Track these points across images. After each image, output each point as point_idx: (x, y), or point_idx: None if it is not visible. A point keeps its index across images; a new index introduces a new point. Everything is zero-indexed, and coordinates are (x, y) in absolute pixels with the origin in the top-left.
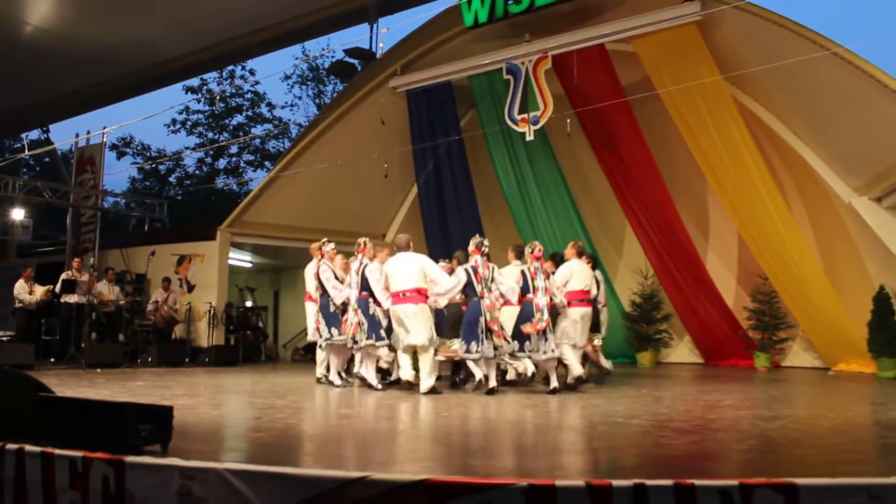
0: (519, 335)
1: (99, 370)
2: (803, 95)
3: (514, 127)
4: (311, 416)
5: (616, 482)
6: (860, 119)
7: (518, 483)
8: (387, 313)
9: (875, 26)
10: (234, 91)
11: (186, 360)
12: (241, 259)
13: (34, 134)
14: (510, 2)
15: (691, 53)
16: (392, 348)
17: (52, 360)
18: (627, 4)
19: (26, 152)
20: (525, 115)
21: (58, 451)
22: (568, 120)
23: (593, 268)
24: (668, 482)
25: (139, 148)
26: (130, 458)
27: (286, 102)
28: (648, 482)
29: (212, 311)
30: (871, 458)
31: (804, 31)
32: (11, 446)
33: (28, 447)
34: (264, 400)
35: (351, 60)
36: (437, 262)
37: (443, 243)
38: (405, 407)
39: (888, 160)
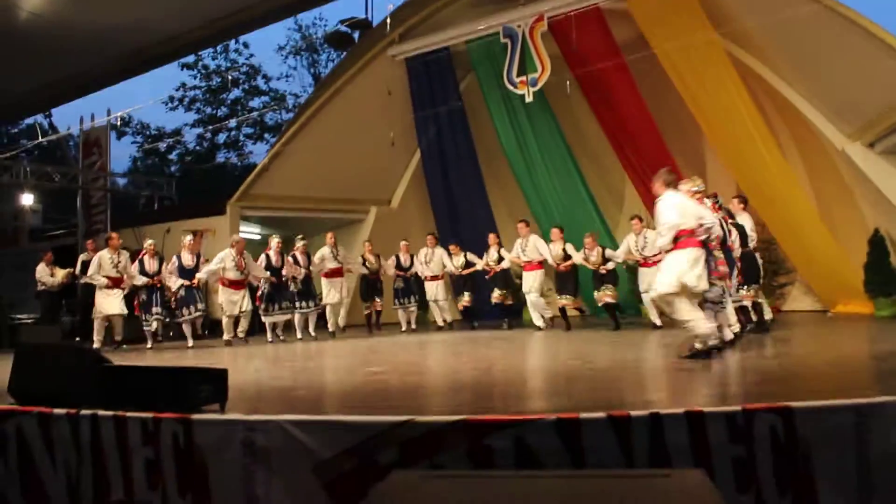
0: None
1: (125, 346)
2: (795, 47)
3: (512, 89)
4: (341, 374)
5: (634, 412)
6: (851, 68)
7: (547, 417)
8: None
9: None
10: (229, 65)
11: (206, 332)
12: (251, 231)
13: (30, 118)
14: None
15: (684, 9)
16: None
17: (77, 339)
18: None
19: (40, 138)
20: (524, 78)
21: (129, 414)
22: (567, 81)
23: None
24: (680, 410)
25: (138, 127)
26: (197, 416)
27: (281, 74)
28: (662, 411)
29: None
30: (860, 384)
31: None
32: (86, 412)
33: (101, 412)
34: (294, 363)
35: (346, 30)
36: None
37: (448, 206)
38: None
39: (879, 107)
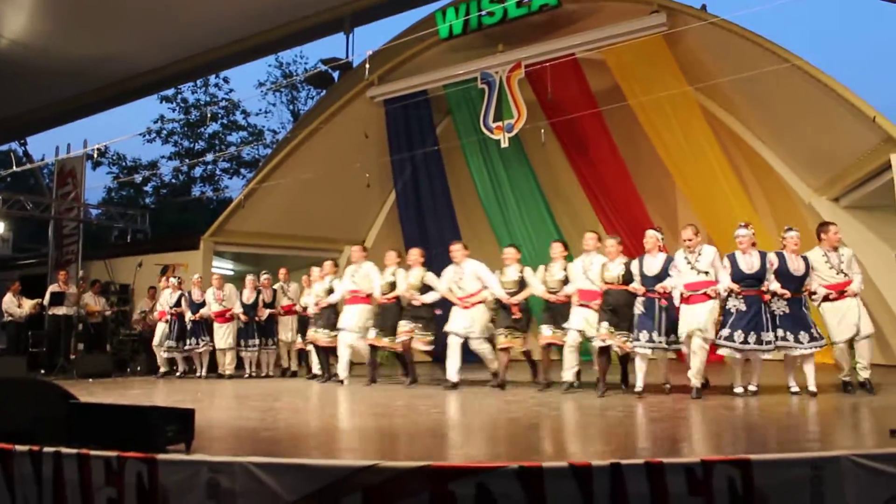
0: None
1: (91, 380)
2: (764, 102)
3: (489, 134)
4: (309, 415)
5: (595, 462)
6: (817, 124)
7: (510, 466)
8: None
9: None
10: (208, 100)
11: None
12: (223, 267)
13: (4, 145)
14: (483, 14)
15: (658, 62)
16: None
17: (42, 371)
18: (596, 15)
19: (14, 166)
20: (500, 123)
21: (93, 452)
22: (542, 130)
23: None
24: (640, 461)
25: (114, 158)
26: (162, 456)
27: (260, 109)
28: (623, 461)
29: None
30: (820, 437)
31: (763, 41)
32: (49, 449)
33: (65, 449)
34: (261, 403)
35: (325, 68)
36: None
37: (421, 247)
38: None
39: (844, 162)
